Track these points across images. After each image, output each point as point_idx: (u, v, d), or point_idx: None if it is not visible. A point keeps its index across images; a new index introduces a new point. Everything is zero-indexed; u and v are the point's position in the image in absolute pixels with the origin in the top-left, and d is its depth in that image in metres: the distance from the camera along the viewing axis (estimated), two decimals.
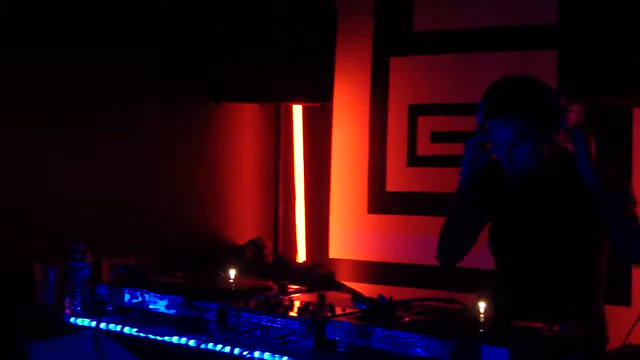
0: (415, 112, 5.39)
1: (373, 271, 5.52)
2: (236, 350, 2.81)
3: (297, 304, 3.03)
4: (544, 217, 3.34)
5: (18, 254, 4.08)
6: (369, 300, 2.92)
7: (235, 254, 5.37)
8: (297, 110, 5.62)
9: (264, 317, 2.92)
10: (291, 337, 2.81)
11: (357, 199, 5.61)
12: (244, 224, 5.62)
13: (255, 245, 5.50)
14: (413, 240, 5.36)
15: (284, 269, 5.30)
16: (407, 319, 2.73)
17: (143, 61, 4.99)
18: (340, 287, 5.17)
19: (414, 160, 5.41)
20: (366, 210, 5.58)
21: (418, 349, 2.56)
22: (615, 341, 3.32)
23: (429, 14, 5.31)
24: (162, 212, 5.13)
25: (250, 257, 5.43)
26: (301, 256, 5.64)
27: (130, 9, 4.92)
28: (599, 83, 4.05)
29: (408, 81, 5.42)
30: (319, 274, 5.30)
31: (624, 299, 4.49)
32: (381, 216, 5.53)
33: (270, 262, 5.46)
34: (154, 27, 5.06)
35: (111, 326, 3.20)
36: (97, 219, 4.67)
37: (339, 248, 5.69)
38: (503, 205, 3.49)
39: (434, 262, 3.76)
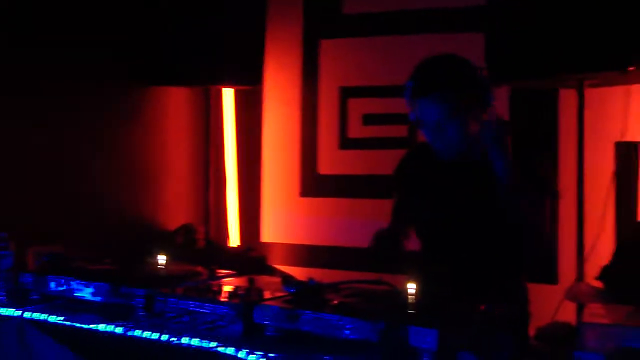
0: (346, 94, 5.41)
1: (306, 254, 5.53)
2: (164, 337, 2.78)
3: (226, 288, 3.02)
4: (467, 199, 3.35)
5: None
6: (298, 283, 2.91)
7: (166, 240, 5.34)
8: (228, 94, 5.58)
9: (191, 302, 2.89)
10: (220, 323, 2.79)
11: (289, 182, 5.62)
12: (175, 209, 5.59)
13: (187, 230, 5.47)
14: (345, 223, 5.37)
15: (215, 253, 5.29)
16: (336, 302, 2.72)
17: (73, 45, 4.91)
18: (272, 271, 5.17)
19: (345, 142, 5.43)
20: (299, 194, 5.59)
21: (347, 332, 2.55)
22: (543, 319, 3.35)
23: None
24: (90, 199, 5.08)
25: (181, 242, 5.41)
26: (233, 240, 5.61)
27: None
28: (525, 65, 4.07)
29: (339, 63, 5.43)
30: (251, 258, 5.30)
31: (551, 278, 4.53)
32: (313, 199, 5.54)
33: (202, 247, 5.43)
34: (87, 10, 4.97)
35: (35, 315, 3.14)
36: (22, 206, 4.59)
37: (271, 232, 5.68)
38: (430, 188, 3.48)
39: (365, 243, 3.75)
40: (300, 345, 2.59)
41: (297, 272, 5.10)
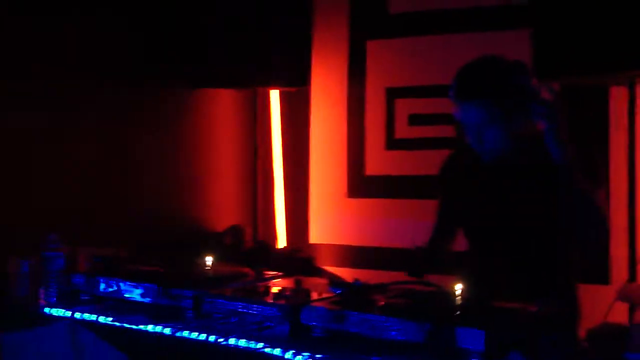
0: (392, 95, 5.39)
1: (353, 255, 5.51)
2: (211, 338, 2.80)
3: (273, 290, 3.02)
4: (514, 201, 3.32)
5: None
6: (344, 284, 2.91)
7: (214, 241, 5.36)
8: (274, 95, 5.59)
9: (239, 303, 2.90)
10: (267, 323, 2.80)
11: (336, 184, 5.61)
12: (224, 210, 5.61)
13: (235, 231, 5.49)
14: (392, 223, 5.35)
15: (263, 254, 5.29)
16: (383, 302, 2.71)
17: (122, 48, 4.97)
18: (320, 272, 5.17)
19: (392, 143, 5.41)
20: (345, 195, 5.58)
21: (394, 332, 2.55)
22: (594, 319, 3.32)
23: None
24: (140, 200, 5.13)
25: (229, 243, 5.42)
26: (281, 242, 5.62)
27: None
28: (574, 62, 4.04)
29: (385, 64, 5.41)
30: (299, 259, 5.30)
31: (603, 278, 4.48)
32: (360, 200, 5.52)
33: (250, 248, 5.45)
34: (137, 14, 5.01)
35: (86, 315, 3.18)
36: (75, 209, 4.64)
37: (318, 233, 5.67)
38: (475, 190, 3.47)
39: (411, 243, 3.74)
40: (346, 346, 2.59)
41: (345, 273, 5.15)
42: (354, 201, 5.55)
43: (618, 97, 4.48)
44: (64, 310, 3.26)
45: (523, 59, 3.39)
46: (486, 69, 3.26)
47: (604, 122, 4.60)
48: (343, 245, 5.57)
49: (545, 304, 2.62)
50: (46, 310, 3.32)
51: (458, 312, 2.56)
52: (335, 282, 2.97)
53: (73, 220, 4.44)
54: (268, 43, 5.13)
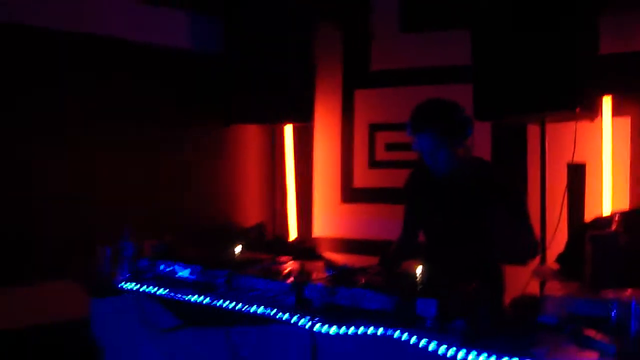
0: (373, 129, 5.36)
1: (346, 245, 5.48)
2: (238, 306, 2.79)
3: (283, 271, 2.99)
4: (457, 207, 3.30)
5: (85, 235, 4.11)
6: (336, 267, 2.89)
7: (243, 235, 5.32)
8: (288, 129, 5.57)
9: (259, 281, 2.89)
10: (279, 296, 2.78)
11: (333, 193, 5.58)
12: (250, 212, 5.56)
13: (259, 228, 5.44)
14: (374, 222, 5.33)
15: (279, 245, 5.24)
16: (364, 281, 2.69)
17: (176, 98, 5.03)
18: (320, 258, 5.12)
19: (373, 164, 5.38)
20: (340, 201, 5.54)
21: (371, 303, 2.53)
22: (515, 292, 3.29)
23: (381, 59, 5.30)
24: (191, 205, 5.09)
25: (254, 237, 5.38)
26: (292, 235, 5.57)
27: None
28: (502, 108, 4.05)
29: (368, 107, 5.39)
30: (305, 248, 5.25)
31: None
32: (350, 205, 5.50)
33: (269, 240, 5.41)
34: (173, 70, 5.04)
35: (149, 289, 3.17)
36: (144, 211, 4.65)
37: (320, 228, 5.64)
38: (428, 199, 3.45)
39: (388, 236, 3.73)
40: (338, 313, 2.57)
41: (340, 258, 5.05)
42: (346, 205, 5.52)
43: (533, 132, 4.46)
44: (133, 284, 3.25)
45: (467, 105, 3.40)
46: (431, 107, 3.24)
47: (523, 151, 4.61)
48: (338, 237, 5.54)
49: (479, 282, 2.59)
50: (121, 284, 3.31)
51: (418, 288, 2.53)
52: (329, 265, 2.95)
53: (142, 219, 4.39)
54: (283, 91, 5.07)
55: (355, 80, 5.44)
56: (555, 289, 2.75)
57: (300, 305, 2.68)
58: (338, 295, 2.61)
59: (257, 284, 2.88)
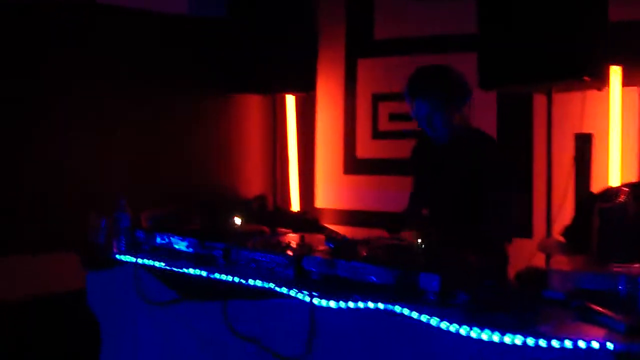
0: (377, 99, 5.27)
1: (348, 216, 5.41)
2: (236, 279, 2.73)
3: (283, 243, 2.92)
4: (455, 179, 3.25)
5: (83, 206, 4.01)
6: (336, 239, 2.81)
7: (245, 206, 5.26)
8: (290, 99, 5.49)
9: (257, 254, 2.82)
10: (277, 269, 2.72)
11: (335, 163, 5.51)
12: (252, 183, 5.51)
13: (260, 199, 5.39)
14: (376, 193, 5.27)
15: (281, 216, 5.19)
16: (365, 253, 2.62)
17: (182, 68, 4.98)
18: (323, 229, 5.07)
19: (376, 134, 5.30)
20: (342, 172, 5.48)
21: (372, 277, 2.47)
22: (520, 265, 3.21)
23: (385, 27, 5.19)
24: (191, 175, 5.04)
25: (256, 207, 5.32)
26: (295, 206, 5.52)
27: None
28: (507, 76, 3.96)
29: (371, 76, 5.29)
30: (307, 220, 5.19)
31: (528, 233, 4.41)
32: (353, 176, 5.43)
33: (271, 211, 5.35)
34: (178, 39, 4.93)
35: (146, 261, 3.13)
36: (143, 180, 4.62)
37: (323, 199, 5.58)
38: (431, 170, 3.40)
39: (391, 208, 3.68)
40: (337, 287, 2.51)
41: (341, 229, 5.02)
42: (348, 177, 5.45)
43: (539, 102, 4.37)
44: (130, 257, 3.20)
45: (471, 74, 3.34)
46: (427, 72, 3.26)
47: (529, 121, 4.52)
48: (340, 209, 5.48)
49: (482, 256, 2.53)
50: (117, 256, 3.26)
51: (420, 261, 2.46)
52: (330, 237, 2.87)
53: (140, 189, 4.35)
54: (285, 58, 4.98)
55: (359, 49, 5.35)
56: (561, 262, 2.70)
57: (298, 279, 2.62)
58: (338, 268, 2.55)
59: (255, 257, 2.81)
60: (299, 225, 4.99)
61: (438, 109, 3.15)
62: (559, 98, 4.15)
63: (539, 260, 3.78)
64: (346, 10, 5.39)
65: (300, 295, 2.49)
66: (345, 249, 2.70)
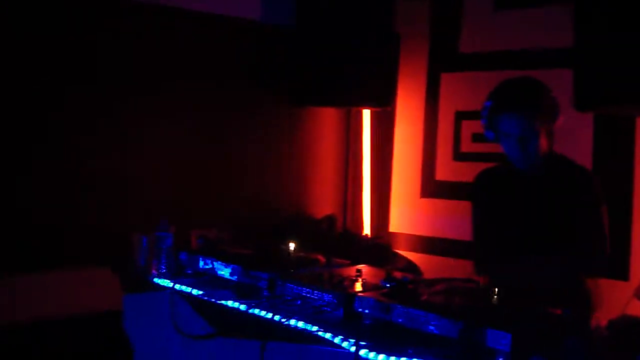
0: (460, 117, 4.94)
1: (423, 243, 5.08)
2: (276, 317, 2.44)
3: (336, 277, 2.59)
4: (545, 209, 2.90)
5: (120, 225, 3.82)
6: (394, 279, 2.47)
7: (313, 226, 4.99)
8: (366, 114, 5.24)
9: (304, 288, 2.51)
10: (325, 308, 2.43)
11: (412, 185, 5.19)
12: (321, 203, 5.24)
13: (330, 219, 5.12)
14: (456, 219, 4.91)
15: (350, 240, 4.90)
16: (425, 297, 2.27)
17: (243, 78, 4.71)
18: (395, 257, 4.76)
19: (458, 155, 4.97)
20: (419, 195, 5.16)
21: (432, 327, 2.13)
22: (613, 312, 2.82)
23: (471, 39, 4.86)
24: (257, 192, 4.78)
25: (325, 228, 5.03)
26: (366, 229, 5.22)
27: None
28: (606, 96, 3.58)
29: (454, 92, 4.97)
30: (379, 245, 4.91)
31: (622, 274, 3.98)
32: (431, 200, 5.10)
33: (339, 234, 5.07)
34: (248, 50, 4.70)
35: (184, 287, 2.89)
36: (200, 197, 4.36)
37: (397, 224, 5.26)
38: (510, 199, 3.01)
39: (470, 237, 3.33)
40: (390, 335, 2.18)
41: (416, 257, 4.79)
42: (426, 200, 5.12)
43: None
44: (167, 281, 2.97)
45: (566, 93, 2.98)
46: (526, 85, 2.93)
47: (630, 145, 4.10)
48: (415, 235, 5.13)
49: (567, 306, 2.15)
50: (155, 279, 3.03)
51: (490, 313, 2.09)
52: (388, 276, 2.52)
53: (198, 207, 4.15)
54: (363, 72, 4.74)
55: (443, 62, 5.03)
56: None
57: (348, 321, 2.30)
58: (393, 313, 2.21)
59: (302, 292, 2.50)
60: (368, 251, 4.68)
61: (533, 129, 2.82)
62: None
63: (635, 308, 3.35)
64: (430, 20, 5.08)
65: (346, 344, 2.16)
66: (403, 290, 2.35)
